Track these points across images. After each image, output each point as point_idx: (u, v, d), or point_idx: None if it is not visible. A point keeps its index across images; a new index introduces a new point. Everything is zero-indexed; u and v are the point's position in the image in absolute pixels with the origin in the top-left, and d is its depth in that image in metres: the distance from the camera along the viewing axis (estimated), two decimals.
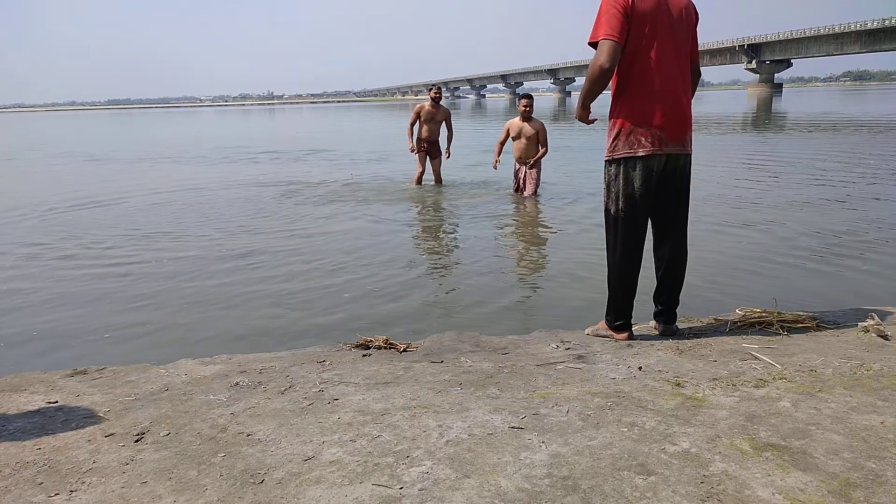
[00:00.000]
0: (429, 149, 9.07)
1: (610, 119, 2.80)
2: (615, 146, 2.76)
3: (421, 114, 8.91)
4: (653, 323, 3.19)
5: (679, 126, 2.71)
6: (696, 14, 2.79)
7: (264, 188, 9.67)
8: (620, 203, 2.79)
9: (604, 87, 2.75)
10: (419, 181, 9.19)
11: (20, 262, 5.42)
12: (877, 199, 7.40)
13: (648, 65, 2.65)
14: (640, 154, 2.69)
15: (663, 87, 2.66)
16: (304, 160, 14.29)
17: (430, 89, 9.09)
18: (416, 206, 7.98)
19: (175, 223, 7.02)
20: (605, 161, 2.84)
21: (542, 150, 7.96)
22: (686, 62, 2.75)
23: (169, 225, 6.94)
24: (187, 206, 8.19)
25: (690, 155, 2.86)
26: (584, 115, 2.92)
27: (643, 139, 2.68)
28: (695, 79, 2.89)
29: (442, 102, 9.09)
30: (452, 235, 6.14)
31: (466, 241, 5.85)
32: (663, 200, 2.84)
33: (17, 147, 23.84)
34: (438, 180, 9.24)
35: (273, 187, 9.73)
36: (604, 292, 3.11)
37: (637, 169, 2.71)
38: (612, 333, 3.05)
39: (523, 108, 7.95)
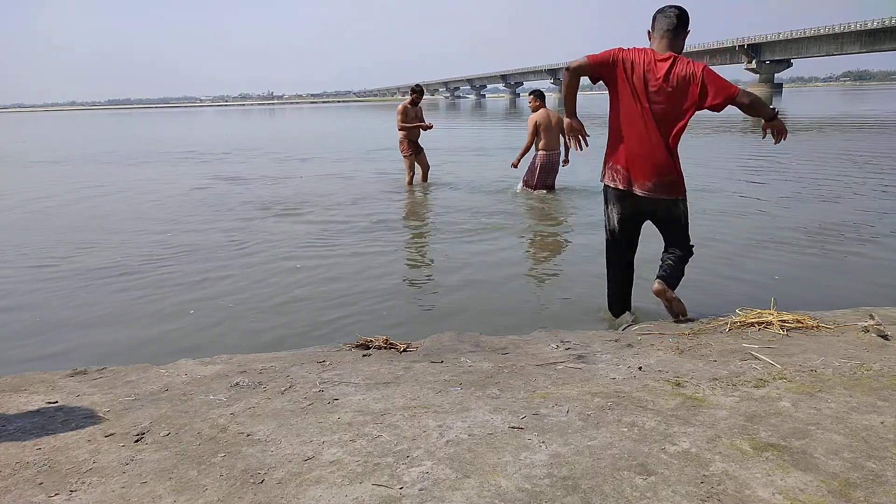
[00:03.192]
0: (416, 149, 9.08)
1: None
2: (603, 174, 3.30)
3: (407, 113, 8.86)
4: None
5: (647, 173, 3.13)
6: (698, 78, 3.04)
7: (251, 189, 9.67)
8: (608, 229, 3.39)
9: (570, 86, 3.25)
10: (410, 183, 9.14)
11: None
12: (877, 196, 7.40)
13: (622, 119, 3.16)
14: (611, 186, 3.25)
15: (633, 139, 3.13)
16: (289, 161, 14.31)
17: (413, 91, 9.02)
18: (411, 207, 7.98)
19: (163, 223, 7.02)
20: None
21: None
22: (665, 126, 3.10)
23: (157, 225, 6.94)
24: (174, 203, 8.19)
25: (673, 200, 3.22)
26: (570, 124, 3.39)
27: (616, 175, 3.21)
28: (744, 104, 3.11)
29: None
30: (450, 235, 6.13)
31: (465, 240, 5.85)
32: (659, 228, 3.38)
33: None
34: (425, 177, 9.29)
35: (262, 188, 9.73)
36: (604, 293, 3.62)
37: (614, 200, 3.27)
38: None
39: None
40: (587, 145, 3.44)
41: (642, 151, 3.12)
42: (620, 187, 3.20)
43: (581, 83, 3.25)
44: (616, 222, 3.30)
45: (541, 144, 7.97)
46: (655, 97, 3.07)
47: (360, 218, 7.06)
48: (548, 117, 7.94)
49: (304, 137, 24.44)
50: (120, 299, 4.35)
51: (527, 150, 8.05)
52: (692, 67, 3.07)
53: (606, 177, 3.27)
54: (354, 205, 7.93)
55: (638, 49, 3.16)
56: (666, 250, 3.40)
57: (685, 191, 3.28)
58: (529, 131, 7.94)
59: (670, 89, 3.06)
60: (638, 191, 3.17)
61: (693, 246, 3.42)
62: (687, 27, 3.19)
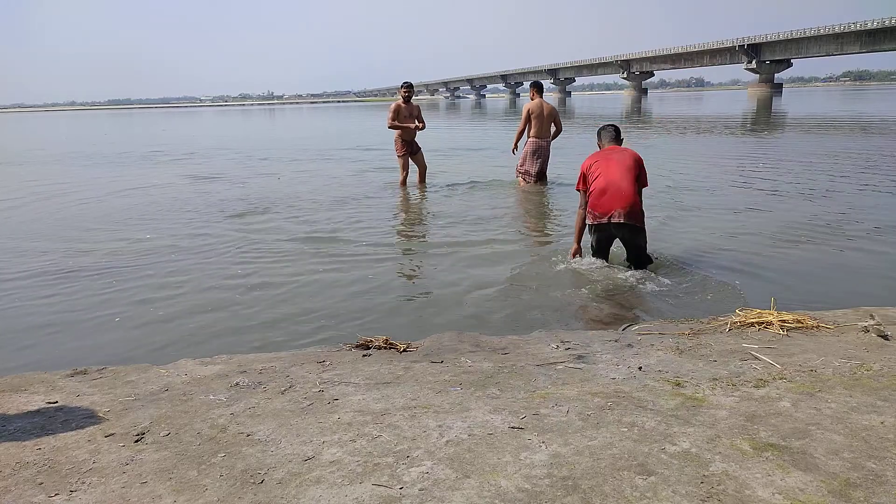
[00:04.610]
0: (410, 148, 8.84)
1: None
2: (589, 216, 4.59)
3: (400, 112, 8.62)
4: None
5: (612, 208, 4.39)
6: (640, 161, 4.53)
7: (253, 189, 9.67)
8: (591, 242, 4.72)
9: (580, 224, 4.71)
10: (404, 183, 8.92)
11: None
12: (877, 197, 7.40)
13: (596, 182, 4.48)
14: (590, 223, 4.58)
15: (605, 190, 4.43)
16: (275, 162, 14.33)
17: (401, 87, 8.78)
18: (408, 208, 7.96)
19: (152, 222, 7.02)
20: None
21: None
22: (628, 175, 4.42)
23: (148, 224, 6.94)
24: (164, 205, 8.19)
25: (629, 224, 4.39)
26: (575, 251, 4.83)
27: (591, 216, 4.53)
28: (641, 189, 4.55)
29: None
30: (449, 236, 6.13)
31: (464, 241, 5.85)
32: (623, 242, 4.58)
33: None
34: (422, 179, 9.03)
35: (243, 189, 9.73)
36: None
37: (594, 232, 4.61)
38: None
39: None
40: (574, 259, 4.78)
41: (613, 193, 4.43)
42: (598, 223, 4.50)
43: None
44: (595, 238, 4.65)
45: (532, 132, 8.65)
46: (619, 161, 4.48)
47: (355, 218, 7.06)
48: (540, 106, 8.58)
49: (287, 137, 24.51)
50: (123, 298, 4.35)
51: (520, 133, 8.76)
52: (636, 154, 4.56)
53: (588, 218, 4.60)
54: (345, 205, 7.89)
55: (596, 153, 4.71)
56: (628, 259, 4.64)
57: (644, 221, 4.49)
58: (523, 117, 8.66)
59: (627, 158, 4.49)
60: (611, 220, 4.44)
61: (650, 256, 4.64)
62: (621, 134, 4.85)
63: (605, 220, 4.43)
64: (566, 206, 7.29)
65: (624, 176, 4.43)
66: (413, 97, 8.99)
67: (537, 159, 8.68)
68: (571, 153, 11.80)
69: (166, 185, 10.30)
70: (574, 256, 4.80)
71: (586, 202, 4.58)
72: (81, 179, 11.63)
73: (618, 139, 4.81)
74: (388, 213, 7.45)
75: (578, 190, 4.66)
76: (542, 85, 8.96)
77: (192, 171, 12.41)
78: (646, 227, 4.52)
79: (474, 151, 14.89)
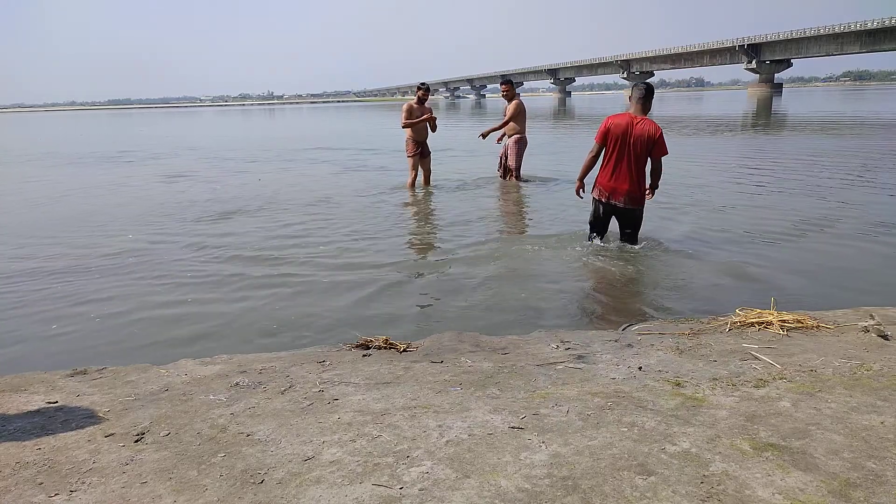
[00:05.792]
0: (421, 150, 8.78)
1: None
2: (592, 190, 5.14)
3: (413, 112, 8.52)
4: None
5: (616, 193, 4.96)
6: (655, 137, 4.76)
7: (240, 191, 9.68)
8: (591, 218, 5.28)
9: (591, 162, 5.07)
10: (412, 185, 8.87)
11: None
12: (878, 195, 7.40)
13: (609, 160, 4.92)
14: (595, 197, 5.13)
15: (613, 172, 4.91)
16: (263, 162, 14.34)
17: (419, 88, 8.64)
18: (410, 208, 7.95)
19: (153, 223, 7.03)
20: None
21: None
22: (636, 164, 4.83)
23: (159, 224, 6.94)
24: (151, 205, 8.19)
25: (629, 208, 5.00)
26: (578, 187, 5.29)
27: (598, 191, 5.08)
28: (656, 167, 4.92)
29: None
30: (450, 236, 6.14)
31: (464, 241, 5.85)
32: (620, 223, 5.18)
33: None
34: (427, 181, 8.96)
35: (231, 190, 9.74)
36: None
37: (596, 204, 5.16)
38: None
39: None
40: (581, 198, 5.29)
41: (619, 180, 4.90)
42: (602, 200, 5.05)
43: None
44: (597, 214, 5.18)
45: (518, 129, 8.84)
46: (633, 145, 4.79)
47: (353, 218, 7.06)
48: (523, 104, 8.86)
49: (281, 137, 24.52)
50: (124, 298, 4.35)
51: (500, 128, 8.95)
52: (654, 128, 4.76)
53: (594, 191, 5.08)
54: (342, 206, 7.90)
55: (621, 114, 4.86)
56: (621, 238, 5.20)
57: (643, 203, 5.03)
58: (514, 114, 8.74)
59: (641, 141, 4.76)
60: (613, 202, 5.00)
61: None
62: (652, 96, 4.92)
63: (607, 200, 4.99)
64: (562, 203, 7.29)
65: (632, 165, 4.82)
66: (427, 101, 8.75)
67: (522, 154, 9.00)
68: (568, 154, 11.79)
69: (146, 186, 10.30)
70: (578, 192, 5.27)
71: (597, 154, 4.98)
72: (87, 179, 11.64)
73: (645, 101, 4.85)
74: (387, 213, 7.44)
75: (596, 141, 4.94)
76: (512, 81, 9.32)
77: (182, 171, 12.42)
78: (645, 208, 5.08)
79: (472, 152, 14.89)
